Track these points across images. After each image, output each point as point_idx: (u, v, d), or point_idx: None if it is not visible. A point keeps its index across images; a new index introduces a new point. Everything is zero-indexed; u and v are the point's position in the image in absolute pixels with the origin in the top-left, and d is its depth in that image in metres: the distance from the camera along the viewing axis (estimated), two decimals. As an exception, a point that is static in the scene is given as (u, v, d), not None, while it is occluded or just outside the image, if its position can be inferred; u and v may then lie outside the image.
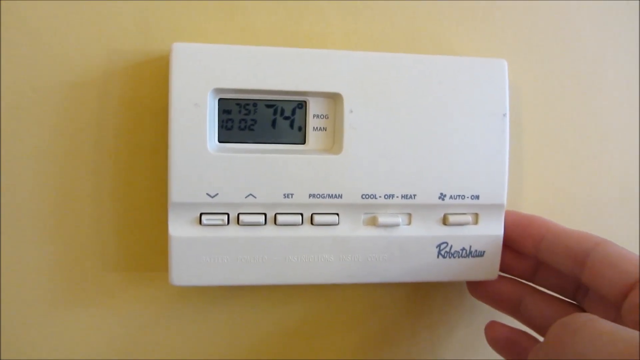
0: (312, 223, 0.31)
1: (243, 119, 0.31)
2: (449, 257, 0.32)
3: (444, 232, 0.32)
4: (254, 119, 0.31)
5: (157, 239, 0.33)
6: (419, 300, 0.37)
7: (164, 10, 0.32)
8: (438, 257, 0.32)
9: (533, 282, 0.33)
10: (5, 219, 0.32)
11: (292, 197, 0.30)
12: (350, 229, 0.31)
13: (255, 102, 0.31)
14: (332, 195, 0.31)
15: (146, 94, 0.32)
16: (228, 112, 0.30)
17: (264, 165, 0.30)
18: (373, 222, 0.32)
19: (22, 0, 0.30)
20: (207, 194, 0.30)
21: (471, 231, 0.32)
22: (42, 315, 0.33)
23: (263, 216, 0.30)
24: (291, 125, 0.31)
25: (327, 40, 0.34)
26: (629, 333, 0.21)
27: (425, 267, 0.32)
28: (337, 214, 0.31)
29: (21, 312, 0.33)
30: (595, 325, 0.22)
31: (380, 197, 0.31)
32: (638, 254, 0.27)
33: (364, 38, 0.34)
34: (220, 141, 0.30)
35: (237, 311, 0.35)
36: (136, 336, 0.34)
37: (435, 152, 0.31)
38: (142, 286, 0.34)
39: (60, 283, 0.33)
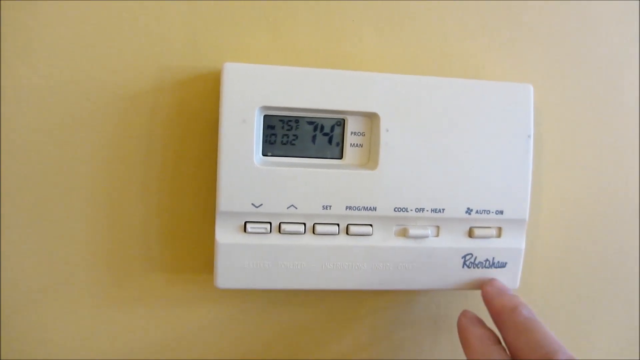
0: (347, 233, 0.33)
1: (285, 134, 0.33)
2: (474, 268, 0.35)
3: (469, 244, 0.34)
4: (296, 134, 0.33)
5: (200, 244, 0.35)
6: (442, 307, 0.39)
7: (212, 29, 0.34)
8: (463, 267, 0.35)
9: None
10: (58, 220, 0.34)
11: (330, 208, 0.33)
12: (383, 239, 0.34)
13: (297, 119, 0.33)
14: (367, 207, 0.33)
15: (194, 108, 0.34)
16: (272, 127, 0.33)
17: (304, 178, 0.32)
18: (404, 233, 0.34)
19: (79, 15, 0.33)
20: (252, 204, 0.32)
21: (495, 244, 0.35)
22: (89, 312, 0.35)
23: (303, 226, 0.33)
24: (330, 141, 0.33)
25: (363, 61, 0.36)
26: None
27: (451, 276, 0.35)
28: (371, 225, 0.33)
29: (68, 310, 0.35)
30: None
31: (411, 210, 0.33)
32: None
33: (396, 60, 0.36)
34: (263, 154, 0.33)
35: (275, 313, 0.37)
36: (177, 335, 0.36)
37: (463, 170, 0.33)
38: (185, 287, 0.36)
39: (108, 282, 0.35)
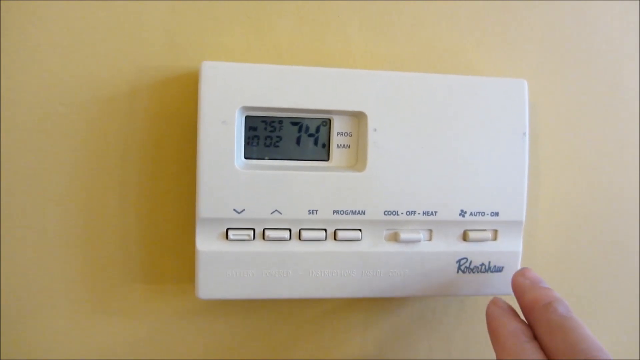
0: (335, 238, 0.32)
1: (269, 136, 0.31)
2: (469, 273, 0.33)
3: (464, 248, 0.33)
4: (279, 135, 0.31)
5: (180, 252, 0.34)
6: (436, 314, 0.37)
7: (191, 28, 0.33)
8: (458, 272, 0.33)
9: None
10: (32, 230, 0.32)
11: (316, 213, 0.31)
12: (373, 244, 0.32)
13: (280, 120, 0.31)
14: (355, 211, 0.31)
15: (172, 110, 0.33)
16: (254, 129, 0.31)
17: (289, 181, 0.30)
18: (395, 238, 0.32)
19: (53, 16, 0.31)
20: (234, 209, 0.30)
21: (490, 247, 0.33)
22: (68, 323, 0.34)
23: (288, 232, 0.31)
24: (315, 142, 0.32)
25: (350, 58, 0.34)
26: None
27: (445, 282, 0.33)
28: (360, 230, 0.32)
29: (46, 319, 0.34)
30: None
31: (402, 213, 0.32)
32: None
33: (385, 57, 0.35)
34: (245, 157, 0.31)
35: (260, 324, 0.36)
36: (156, 345, 0.35)
37: (456, 170, 0.32)
38: (165, 298, 0.34)
39: (86, 292, 0.34)
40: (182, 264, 0.34)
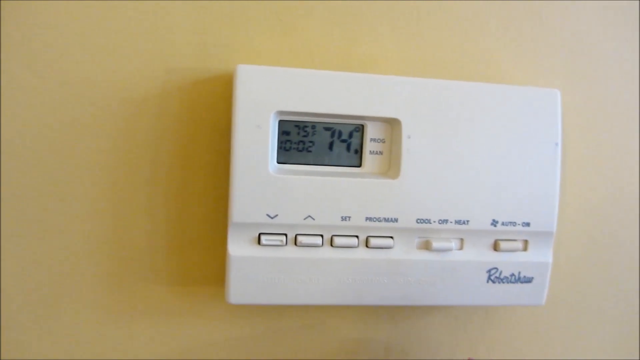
0: (367, 245, 0.31)
1: (301, 141, 0.31)
2: (499, 283, 0.33)
3: (494, 258, 0.33)
4: (312, 140, 0.31)
5: (207, 255, 0.33)
6: (460, 322, 0.37)
7: (222, 29, 0.32)
8: (488, 282, 0.33)
9: None
10: (59, 230, 0.32)
11: (349, 219, 0.31)
12: (404, 252, 0.32)
13: (314, 125, 0.31)
14: (387, 219, 0.31)
15: (203, 112, 0.33)
16: (287, 133, 0.31)
17: (322, 187, 0.30)
18: (426, 246, 0.32)
19: (84, 16, 0.31)
20: (267, 214, 0.30)
21: (521, 257, 0.33)
22: (91, 326, 0.33)
23: (320, 238, 0.31)
24: (348, 148, 0.32)
25: (380, 64, 0.34)
26: None
27: (475, 291, 0.33)
28: (392, 237, 0.32)
29: (69, 324, 0.33)
30: None
31: (434, 222, 0.31)
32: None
33: (414, 62, 0.34)
34: (278, 162, 0.31)
35: (286, 329, 0.35)
36: (183, 351, 0.34)
37: (488, 179, 0.32)
38: (191, 301, 0.34)
39: (111, 294, 0.33)
40: (209, 267, 0.34)
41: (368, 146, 0.32)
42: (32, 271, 0.32)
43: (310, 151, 0.31)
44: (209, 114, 0.33)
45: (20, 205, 0.31)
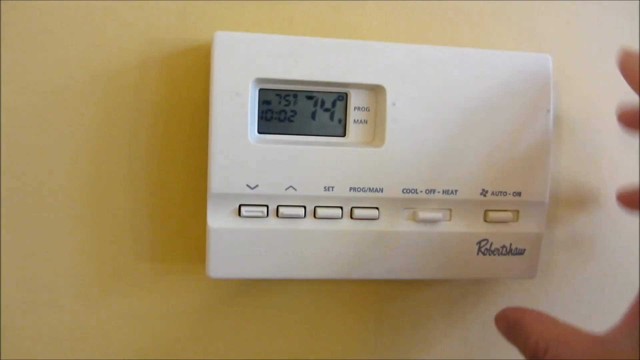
0: (351, 217, 0.30)
1: (283, 110, 0.30)
2: (489, 255, 0.32)
3: (484, 229, 0.32)
4: (294, 110, 0.30)
5: (190, 230, 0.33)
6: (453, 298, 0.36)
7: (202, -2, 0.31)
8: (478, 254, 0.32)
9: None
10: (38, 209, 0.31)
11: (332, 190, 0.30)
12: (390, 223, 0.31)
13: (295, 93, 0.30)
14: (372, 189, 0.30)
15: (183, 83, 0.32)
16: (268, 102, 0.30)
17: (304, 157, 0.29)
18: (413, 217, 0.31)
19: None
20: (247, 185, 0.29)
21: (512, 228, 0.32)
22: (73, 307, 0.33)
23: (303, 209, 0.30)
24: (331, 118, 0.31)
25: (366, 31, 0.33)
26: None
27: (465, 264, 0.32)
28: (377, 208, 0.31)
29: (54, 302, 0.33)
30: None
31: (421, 192, 0.30)
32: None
33: (403, 29, 0.33)
34: (259, 132, 0.30)
35: (270, 304, 0.34)
36: (170, 327, 0.34)
37: (478, 148, 0.31)
38: (176, 277, 0.33)
39: (93, 272, 0.33)
40: (192, 242, 0.33)
41: (352, 115, 0.31)
42: (8, 253, 0.32)
43: (292, 121, 0.30)
44: (189, 85, 0.32)
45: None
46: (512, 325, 0.26)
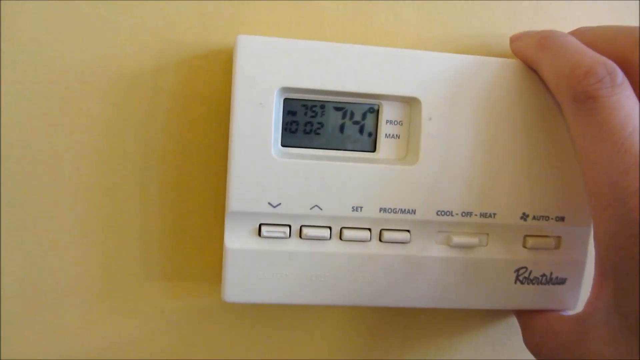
0: (380, 240, 0.28)
1: (309, 122, 0.28)
2: (528, 284, 0.29)
3: (523, 256, 0.29)
4: (321, 122, 0.28)
5: (205, 248, 0.31)
6: (483, 326, 0.34)
7: (224, -1, 0.29)
8: (516, 282, 0.29)
9: None
10: (44, 220, 0.29)
11: (360, 210, 0.27)
12: (422, 248, 0.29)
13: (323, 104, 0.28)
14: (404, 210, 0.28)
15: (201, 90, 0.29)
16: (293, 113, 0.28)
17: (331, 173, 0.27)
18: (447, 241, 0.29)
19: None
20: (269, 203, 0.27)
21: (553, 256, 0.29)
22: (81, 322, 0.31)
23: (328, 230, 0.28)
24: (361, 131, 0.28)
25: (399, 39, 0.31)
26: None
27: (501, 293, 0.29)
28: (409, 231, 0.28)
29: (58, 318, 0.31)
30: None
31: (457, 214, 0.28)
32: None
33: (436, 36, 0.31)
34: (283, 145, 0.27)
35: (288, 330, 0.32)
36: (177, 352, 0.32)
37: (519, 168, 0.28)
38: (186, 297, 0.31)
39: (101, 290, 0.31)
40: (207, 261, 0.31)
41: (383, 129, 0.28)
42: (20, 264, 0.30)
43: (318, 133, 0.28)
44: (208, 92, 0.30)
45: (4, 190, 0.29)
46: None
